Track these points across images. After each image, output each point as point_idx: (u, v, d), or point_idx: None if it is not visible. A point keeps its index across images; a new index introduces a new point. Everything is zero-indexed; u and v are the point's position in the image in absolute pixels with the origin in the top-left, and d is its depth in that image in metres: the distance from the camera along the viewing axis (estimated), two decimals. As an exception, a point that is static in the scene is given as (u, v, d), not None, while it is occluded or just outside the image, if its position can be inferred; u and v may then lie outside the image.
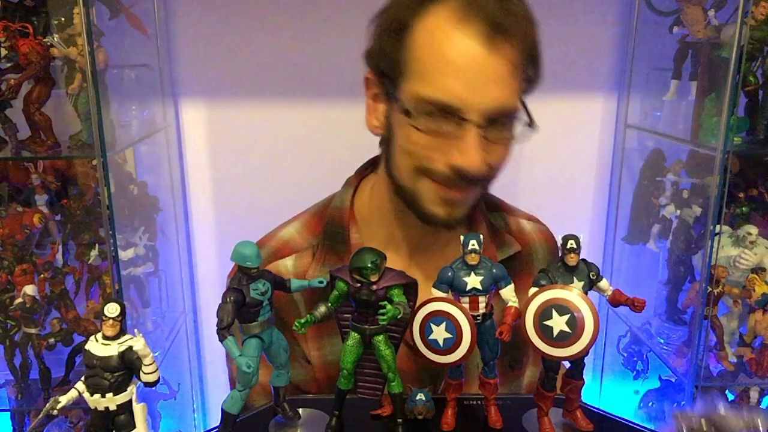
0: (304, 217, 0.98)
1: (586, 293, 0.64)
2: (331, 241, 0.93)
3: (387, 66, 0.82)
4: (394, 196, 0.89)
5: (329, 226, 0.94)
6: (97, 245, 1.40)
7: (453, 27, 0.77)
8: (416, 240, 0.94)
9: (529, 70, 0.82)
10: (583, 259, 0.65)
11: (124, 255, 1.45)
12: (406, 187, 0.85)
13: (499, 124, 0.80)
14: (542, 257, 1.02)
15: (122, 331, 0.60)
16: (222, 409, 0.65)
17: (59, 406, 0.59)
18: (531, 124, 0.83)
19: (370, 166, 0.99)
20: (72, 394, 0.60)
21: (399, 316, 0.62)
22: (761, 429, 0.74)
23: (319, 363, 0.91)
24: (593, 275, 0.65)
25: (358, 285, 0.64)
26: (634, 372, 1.70)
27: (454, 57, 0.77)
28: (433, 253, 0.94)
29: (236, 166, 1.65)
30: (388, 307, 0.62)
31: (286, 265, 0.92)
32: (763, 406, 1.38)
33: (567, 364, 0.68)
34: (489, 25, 0.76)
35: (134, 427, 0.61)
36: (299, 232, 0.96)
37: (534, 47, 0.82)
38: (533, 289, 0.64)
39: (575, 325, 0.61)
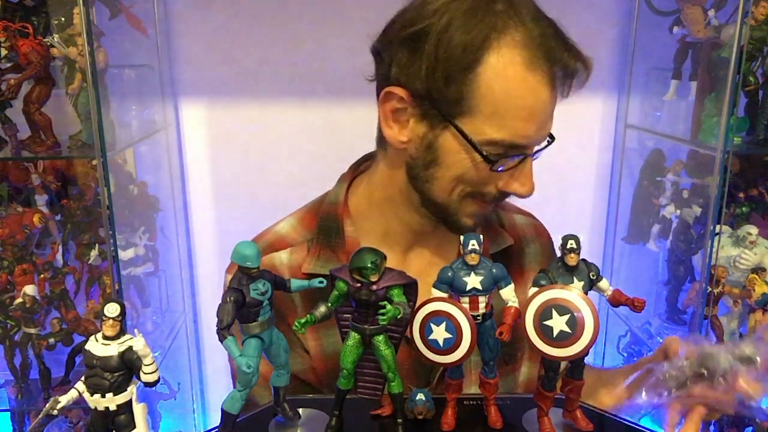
0: (300, 213, 0.99)
1: (586, 293, 0.64)
2: (325, 236, 0.93)
3: (442, 95, 0.79)
4: (399, 199, 0.90)
5: (323, 221, 0.94)
6: (97, 245, 1.40)
7: (526, 70, 0.77)
8: (413, 236, 0.94)
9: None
10: (583, 259, 0.65)
11: (124, 255, 1.45)
12: (442, 204, 0.86)
13: None
14: (534, 251, 1.03)
15: (122, 331, 0.60)
16: (222, 409, 0.65)
17: (59, 406, 0.59)
18: (551, 138, 0.88)
19: (364, 162, 1.00)
20: (72, 394, 0.60)
21: (399, 316, 0.62)
22: (748, 355, 0.77)
23: (317, 354, 0.92)
24: (593, 275, 0.65)
25: (358, 285, 0.64)
26: (634, 372, 1.69)
27: (528, 101, 0.79)
28: (429, 248, 0.95)
29: (236, 166, 1.66)
30: (388, 307, 0.62)
31: (281, 258, 0.93)
32: (762, 406, 1.38)
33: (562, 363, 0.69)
34: (558, 69, 0.79)
35: (134, 427, 0.61)
36: (294, 228, 0.97)
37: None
38: (533, 289, 0.64)
39: (575, 325, 0.61)
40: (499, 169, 0.81)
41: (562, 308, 0.61)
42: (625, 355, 1.72)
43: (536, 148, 0.84)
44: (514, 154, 0.81)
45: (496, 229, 1.00)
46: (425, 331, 0.66)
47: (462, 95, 0.78)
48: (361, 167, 1.00)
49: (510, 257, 0.99)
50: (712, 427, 1.39)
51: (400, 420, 0.68)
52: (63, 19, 1.25)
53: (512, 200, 1.08)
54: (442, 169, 0.83)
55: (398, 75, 0.81)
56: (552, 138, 0.86)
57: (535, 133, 0.81)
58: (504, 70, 0.77)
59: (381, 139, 0.90)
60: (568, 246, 0.63)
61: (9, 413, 1.46)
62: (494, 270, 0.66)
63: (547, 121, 0.83)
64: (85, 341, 0.60)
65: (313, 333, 0.92)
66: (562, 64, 0.79)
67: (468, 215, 0.87)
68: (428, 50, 0.78)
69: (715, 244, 1.31)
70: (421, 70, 0.79)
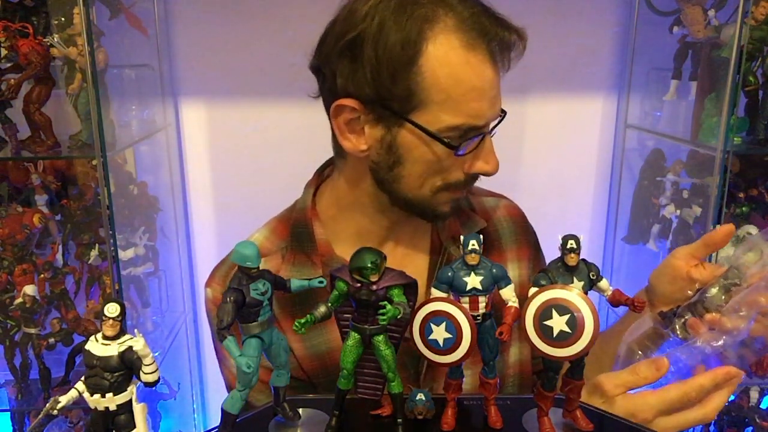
0: (272, 223, 1.00)
1: (586, 293, 0.64)
2: (298, 241, 0.95)
3: (391, 95, 0.80)
4: (366, 200, 0.91)
5: (295, 227, 0.96)
6: (97, 245, 1.40)
7: (466, 51, 0.78)
8: (385, 231, 0.95)
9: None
10: (583, 259, 0.65)
11: (124, 255, 1.45)
12: (414, 199, 0.87)
13: None
14: (509, 231, 1.03)
15: (122, 331, 0.60)
16: (222, 409, 0.65)
17: (59, 406, 0.59)
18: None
19: (328, 167, 1.01)
20: (72, 394, 0.60)
21: (399, 316, 0.62)
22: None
23: (301, 355, 0.92)
24: (593, 275, 0.65)
25: (358, 285, 0.64)
26: (634, 372, 1.69)
27: (475, 82, 0.80)
28: (403, 239, 0.97)
29: (236, 166, 1.66)
30: (388, 307, 0.62)
31: None
32: (762, 406, 1.38)
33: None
34: (495, 43, 0.80)
35: (134, 427, 0.61)
36: (267, 238, 0.98)
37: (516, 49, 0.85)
38: (533, 289, 0.64)
39: (575, 325, 0.61)
40: (461, 152, 0.82)
41: (562, 308, 0.62)
42: (625, 355, 1.72)
43: (492, 124, 0.85)
44: (473, 136, 0.82)
45: (467, 213, 1.01)
46: (425, 331, 0.66)
47: (411, 90, 0.79)
48: (325, 172, 1.01)
49: (485, 240, 0.99)
50: (712, 427, 1.39)
51: (400, 420, 0.68)
52: (63, 19, 1.25)
53: (515, 203, 1.09)
54: (408, 166, 0.84)
55: (344, 86, 0.82)
56: (504, 113, 0.87)
57: (488, 110, 0.82)
58: (445, 56, 0.78)
59: (339, 150, 0.91)
60: (568, 246, 0.63)
61: (9, 413, 1.46)
62: (494, 270, 0.66)
63: (497, 96, 0.84)
64: (85, 341, 0.60)
65: (294, 334, 0.91)
66: (498, 38, 0.80)
67: (444, 204, 0.89)
68: (368, 55, 0.79)
69: (715, 244, 1.30)
70: (366, 75, 0.80)
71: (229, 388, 1.00)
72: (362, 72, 0.80)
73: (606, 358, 0.97)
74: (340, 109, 0.84)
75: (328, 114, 0.88)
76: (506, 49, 0.81)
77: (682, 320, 0.86)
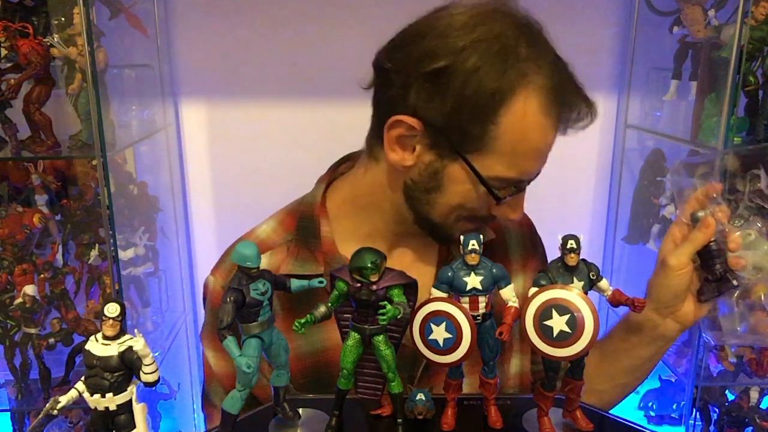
0: (280, 215, 1.00)
1: (586, 293, 0.64)
2: (303, 236, 0.94)
3: (461, 133, 0.80)
4: (400, 215, 0.91)
5: (301, 221, 0.95)
6: (97, 245, 1.40)
7: (542, 114, 0.80)
8: (395, 238, 0.95)
9: None
10: (583, 259, 0.65)
11: (124, 255, 1.45)
12: (437, 224, 0.89)
13: None
14: (516, 242, 1.04)
15: (122, 331, 0.60)
16: (222, 409, 0.65)
17: (59, 406, 0.59)
18: None
19: (344, 163, 1.01)
20: (72, 394, 0.60)
21: (399, 316, 0.62)
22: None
23: (292, 356, 0.91)
24: (593, 275, 0.65)
25: (358, 285, 0.64)
26: (634, 372, 1.69)
27: (540, 144, 0.83)
28: (411, 248, 0.97)
29: (236, 166, 1.65)
30: (388, 307, 0.62)
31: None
32: (762, 406, 1.38)
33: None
34: (568, 112, 0.83)
35: (134, 427, 0.61)
36: (275, 230, 0.97)
37: None
38: (533, 289, 0.64)
39: (575, 325, 0.61)
40: (502, 202, 0.84)
41: (562, 308, 0.62)
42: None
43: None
44: (515, 188, 0.85)
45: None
46: (425, 331, 0.66)
47: (483, 134, 0.79)
48: (339, 168, 1.01)
49: (493, 250, 0.99)
50: (712, 427, 1.39)
51: (400, 420, 0.68)
52: (63, 19, 1.25)
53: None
54: (444, 197, 0.85)
55: (415, 106, 0.81)
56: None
57: (538, 168, 0.86)
58: (525, 115, 0.79)
59: (373, 152, 0.91)
60: (568, 246, 0.63)
61: (9, 413, 1.46)
62: (494, 270, 0.66)
63: (547, 156, 0.86)
64: (85, 341, 0.60)
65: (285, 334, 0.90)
66: (574, 108, 0.83)
67: (460, 231, 0.88)
68: (454, 88, 0.78)
69: (715, 244, 1.30)
70: (445, 106, 0.79)
71: (206, 378, 1.01)
72: (440, 101, 0.79)
73: (616, 370, 0.98)
74: (399, 123, 0.82)
75: (376, 112, 0.88)
76: (577, 120, 0.84)
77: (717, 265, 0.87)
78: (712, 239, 0.87)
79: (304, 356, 0.92)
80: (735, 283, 0.87)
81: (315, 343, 0.91)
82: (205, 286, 0.99)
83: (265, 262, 0.92)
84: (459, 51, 0.77)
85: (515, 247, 1.03)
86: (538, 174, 0.87)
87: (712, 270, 0.87)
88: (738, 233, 0.88)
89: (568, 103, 0.82)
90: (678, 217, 0.92)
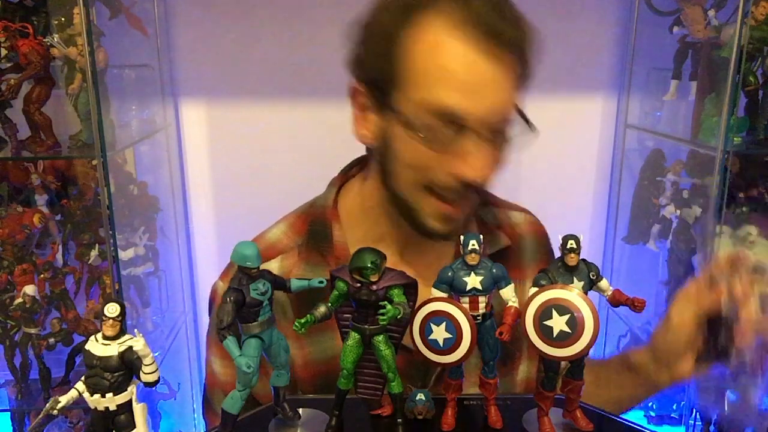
0: (290, 218, 0.98)
1: (586, 293, 0.64)
2: (314, 240, 0.93)
3: (378, 77, 0.81)
4: (388, 203, 0.88)
5: (313, 225, 0.94)
6: (97, 245, 1.40)
7: (447, 35, 0.77)
8: (405, 245, 0.93)
9: (522, 70, 0.82)
10: (583, 259, 0.65)
11: (124, 255, 1.45)
12: (406, 199, 0.85)
13: (499, 130, 0.81)
14: (531, 250, 1.02)
15: (122, 331, 0.60)
16: (222, 409, 0.65)
17: (59, 406, 0.59)
18: (530, 126, 0.84)
19: (356, 166, 0.99)
20: (72, 394, 0.60)
21: (399, 316, 0.62)
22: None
23: (301, 363, 0.91)
24: (593, 275, 0.65)
25: (358, 285, 0.64)
26: (634, 372, 1.69)
27: (450, 64, 0.77)
28: (425, 253, 0.93)
29: (236, 166, 1.66)
30: (388, 307, 0.62)
31: (271, 268, 0.91)
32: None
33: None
34: (483, 31, 0.76)
35: (134, 427, 0.61)
36: (285, 234, 0.96)
37: (527, 49, 0.81)
38: (533, 289, 0.64)
39: (575, 325, 0.61)
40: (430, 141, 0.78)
41: (562, 308, 0.61)
42: (625, 355, 1.72)
43: (486, 128, 0.79)
44: (451, 127, 0.78)
45: (490, 229, 0.99)
46: (425, 331, 0.66)
47: (392, 69, 0.80)
48: (351, 171, 0.99)
49: (507, 258, 0.98)
50: (712, 427, 1.39)
51: (400, 420, 0.68)
52: (63, 19, 1.25)
53: (505, 196, 1.08)
54: (398, 161, 0.83)
55: (352, 69, 0.85)
56: (530, 124, 0.83)
57: (469, 102, 0.77)
58: (425, 37, 0.78)
59: (375, 151, 0.90)
60: (568, 246, 0.63)
61: (9, 413, 1.46)
62: (494, 270, 0.66)
63: (485, 91, 0.78)
64: (85, 341, 0.60)
65: (295, 341, 0.89)
66: (491, 28, 0.76)
67: (432, 217, 0.84)
68: (365, 35, 0.83)
69: (715, 244, 1.31)
70: (362, 54, 0.83)
71: (209, 385, 0.99)
72: (361, 53, 0.83)
73: (601, 398, 0.92)
74: (352, 92, 0.86)
75: None
76: (494, 38, 0.76)
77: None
78: (724, 308, 0.81)
79: (315, 363, 0.91)
80: (733, 362, 0.81)
81: (326, 350, 0.90)
82: (213, 291, 0.97)
83: (276, 267, 0.92)
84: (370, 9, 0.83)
85: (530, 254, 1.01)
86: (492, 119, 0.78)
87: (715, 341, 0.83)
88: (754, 303, 0.80)
89: (484, 24, 0.76)
90: (699, 275, 0.87)
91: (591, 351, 0.63)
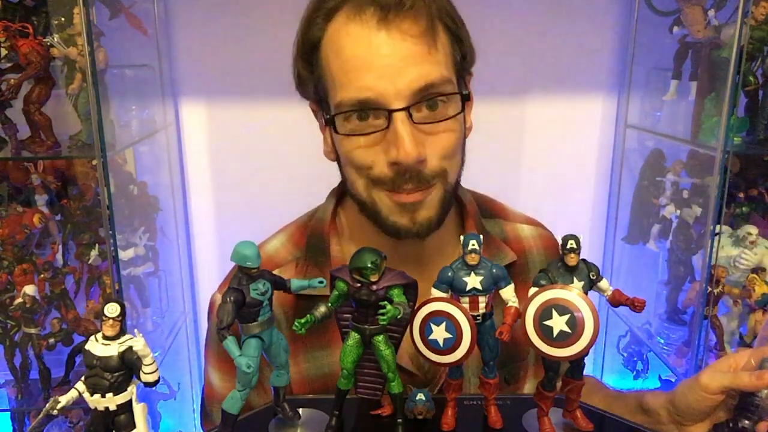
0: (290, 230, 0.97)
1: (586, 293, 0.64)
2: (312, 254, 0.92)
3: (318, 91, 0.84)
4: (361, 213, 0.87)
5: (311, 238, 0.93)
6: (97, 245, 1.40)
7: (348, 23, 0.77)
8: (405, 260, 0.87)
9: (446, 37, 0.80)
10: (583, 259, 0.65)
11: (124, 255, 1.45)
12: (365, 202, 0.83)
13: (429, 105, 0.77)
14: (540, 265, 0.97)
15: (122, 331, 0.60)
16: (222, 409, 0.65)
17: (59, 406, 0.59)
18: (467, 96, 0.81)
19: None
20: (72, 394, 0.60)
21: (399, 316, 0.62)
22: None
23: (297, 378, 0.89)
24: (593, 275, 0.65)
25: (358, 285, 0.64)
26: (634, 372, 1.70)
27: (354, 50, 0.76)
28: (424, 273, 0.87)
29: (236, 166, 1.66)
30: (388, 307, 0.62)
31: None
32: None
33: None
34: (380, 8, 0.75)
35: (134, 427, 0.61)
36: (284, 246, 0.95)
37: (440, 12, 0.78)
38: (533, 289, 0.64)
39: (575, 325, 0.61)
40: (340, 131, 0.79)
41: (562, 308, 0.61)
42: (625, 355, 1.72)
43: (404, 104, 0.75)
44: (377, 115, 0.76)
45: (496, 244, 0.95)
46: (425, 331, 0.66)
47: (320, 78, 0.82)
48: None
49: (512, 274, 0.95)
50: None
51: (400, 420, 0.68)
52: (63, 19, 1.25)
53: (515, 204, 1.06)
54: (347, 166, 0.84)
55: (297, 88, 0.89)
56: (467, 95, 0.80)
57: (381, 82, 0.74)
58: (333, 35, 0.79)
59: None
60: (568, 246, 0.63)
61: (9, 413, 1.46)
62: (494, 270, 0.66)
63: (397, 67, 0.75)
64: (85, 341, 0.60)
65: (291, 358, 0.87)
66: (385, 3, 0.75)
67: (391, 210, 0.82)
68: (294, 52, 0.86)
69: (715, 244, 1.31)
70: (298, 67, 0.86)
71: (207, 397, 0.97)
72: (297, 71, 0.87)
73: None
74: (313, 113, 0.89)
75: None
76: (392, 12, 0.74)
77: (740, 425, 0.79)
78: (759, 393, 0.77)
79: (311, 379, 0.89)
80: None
81: (322, 367, 0.89)
82: (211, 303, 0.97)
83: None
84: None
85: (538, 268, 0.99)
86: (402, 96, 0.75)
87: (737, 420, 0.79)
88: None
89: (378, 1, 0.75)
90: (751, 352, 0.82)
91: (591, 351, 0.63)
